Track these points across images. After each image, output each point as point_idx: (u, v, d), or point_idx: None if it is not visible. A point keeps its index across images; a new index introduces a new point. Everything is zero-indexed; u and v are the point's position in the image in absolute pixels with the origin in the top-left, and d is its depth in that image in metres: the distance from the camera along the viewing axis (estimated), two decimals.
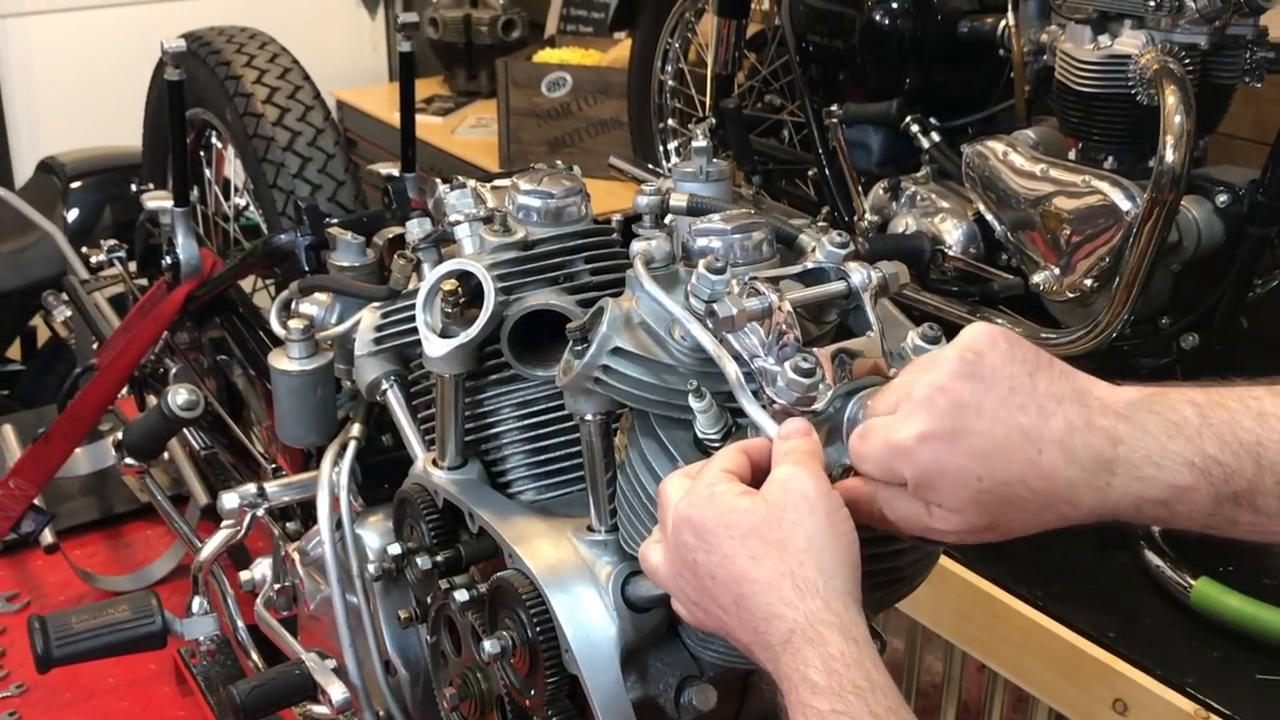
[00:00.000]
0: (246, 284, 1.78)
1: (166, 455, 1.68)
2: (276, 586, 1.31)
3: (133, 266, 1.96)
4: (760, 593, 0.72)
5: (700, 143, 1.06)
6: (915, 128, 1.92)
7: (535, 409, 1.03)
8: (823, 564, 0.71)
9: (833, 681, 0.68)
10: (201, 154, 1.98)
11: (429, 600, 1.07)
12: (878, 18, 1.92)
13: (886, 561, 0.82)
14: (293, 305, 1.31)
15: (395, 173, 1.54)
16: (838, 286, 0.85)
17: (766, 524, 0.72)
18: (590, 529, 0.95)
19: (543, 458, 1.04)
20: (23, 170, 3.35)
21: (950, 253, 1.82)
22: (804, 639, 0.70)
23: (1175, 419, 0.71)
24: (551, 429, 1.03)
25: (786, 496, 0.72)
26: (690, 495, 0.76)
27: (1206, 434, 0.71)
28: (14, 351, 2.71)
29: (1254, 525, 0.72)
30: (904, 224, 1.90)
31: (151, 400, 1.81)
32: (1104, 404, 0.72)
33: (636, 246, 0.88)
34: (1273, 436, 0.70)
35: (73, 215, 2.50)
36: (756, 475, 0.77)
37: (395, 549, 1.08)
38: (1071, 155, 1.71)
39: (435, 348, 0.99)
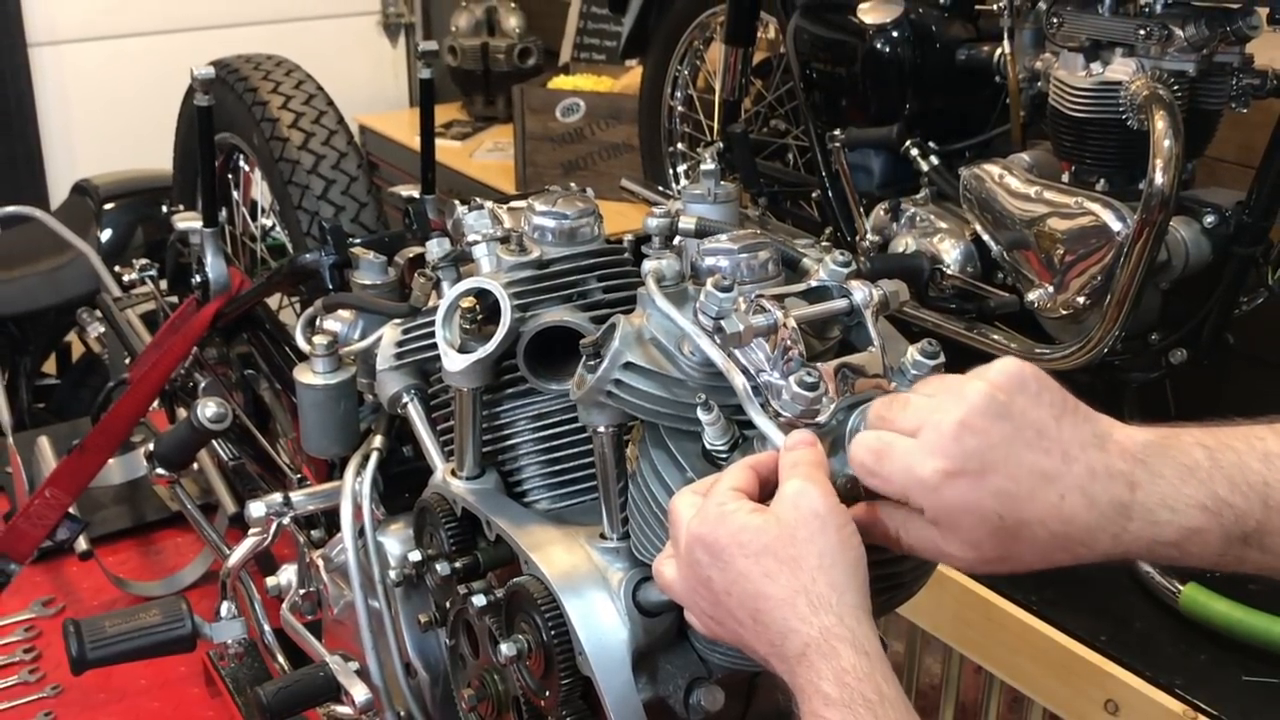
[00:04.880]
0: (273, 301, 1.79)
1: (196, 466, 1.69)
2: (301, 592, 1.32)
3: (163, 284, 1.97)
4: (775, 609, 0.72)
5: (708, 166, 1.07)
6: (915, 151, 1.93)
7: (550, 421, 1.05)
8: (835, 580, 0.72)
9: (844, 694, 0.69)
10: (229, 176, 1.99)
11: (448, 605, 1.09)
12: (879, 46, 1.93)
13: (887, 568, 0.83)
14: (317, 322, 1.32)
15: (416, 195, 1.54)
16: (840, 304, 0.86)
17: (779, 542, 0.72)
18: (603, 536, 0.96)
19: (557, 468, 1.05)
20: (58, 192, 3.36)
21: (949, 271, 1.83)
22: (818, 653, 0.70)
23: (1188, 463, 0.72)
24: (565, 440, 1.04)
25: (798, 513, 0.73)
26: (702, 514, 0.75)
27: (1217, 477, 0.71)
28: (49, 366, 2.74)
29: (1261, 563, 0.73)
30: (904, 244, 1.91)
31: (181, 413, 1.82)
32: (1122, 448, 0.72)
33: (648, 265, 0.89)
34: (1279, 478, 0.71)
35: (106, 235, 2.54)
36: (765, 489, 0.77)
37: (415, 556, 1.08)
38: (1065, 178, 1.71)
39: (454, 362, 1.00)
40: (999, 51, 1.84)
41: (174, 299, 1.94)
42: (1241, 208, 1.61)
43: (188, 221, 1.76)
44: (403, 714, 1.21)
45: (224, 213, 1.91)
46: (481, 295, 1.01)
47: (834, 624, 0.71)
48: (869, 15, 1.96)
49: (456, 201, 1.15)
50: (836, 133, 2.05)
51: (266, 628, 1.43)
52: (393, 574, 1.14)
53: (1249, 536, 0.71)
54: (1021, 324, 1.80)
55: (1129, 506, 0.71)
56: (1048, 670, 1.47)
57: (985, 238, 1.81)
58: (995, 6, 1.85)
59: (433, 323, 1.05)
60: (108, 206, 2.58)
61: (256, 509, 1.25)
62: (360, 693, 1.17)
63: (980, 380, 0.73)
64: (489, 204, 1.12)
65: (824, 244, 2.01)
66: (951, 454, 0.71)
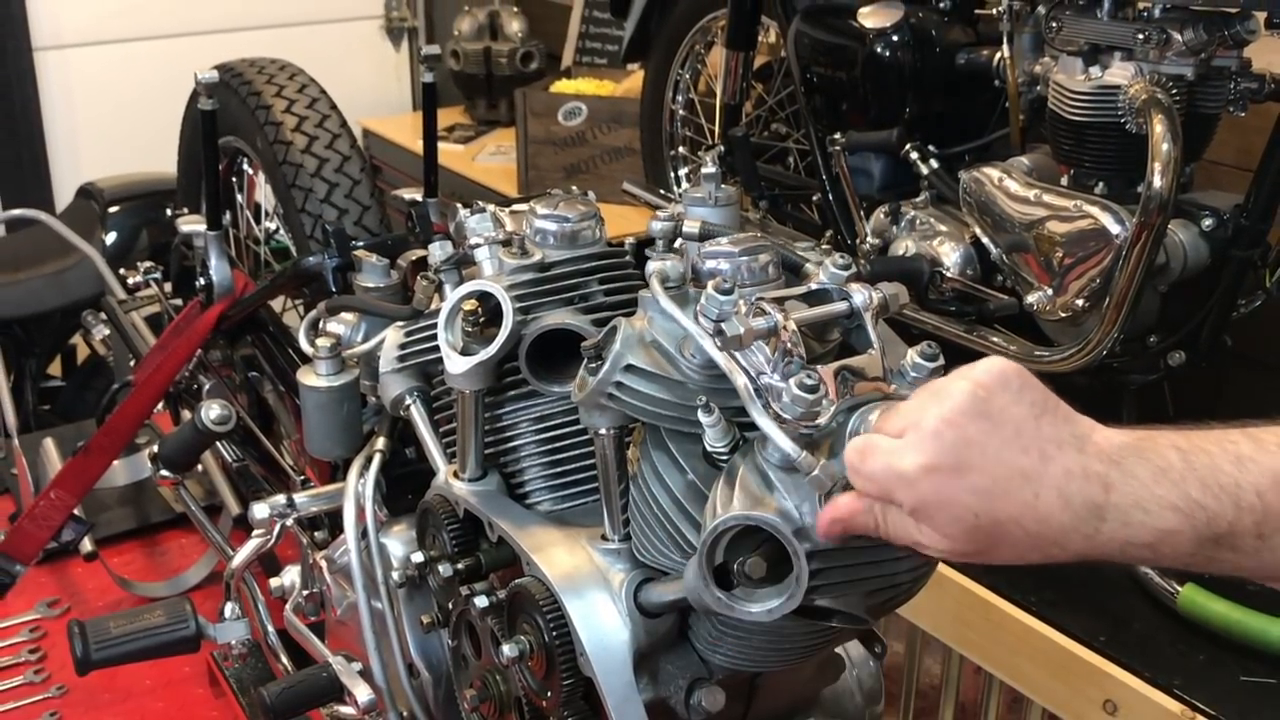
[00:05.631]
0: (276, 304, 1.80)
1: (200, 467, 1.71)
2: (305, 593, 1.33)
3: (168, 287, 1.99)
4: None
5: (709, 169, 1.08)
6: (915, 155, 1.93)
7: (552, 423, 1.06)
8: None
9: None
10: (233, 180, 2.00)
11: (450, 606, 1.09)
12: (879, 50, 1.93)
13: (886, 568, 0.84)
14: (320, 324, 1.33)
15: (418, 198, 1.56)
16: (840, 306, 0.87)
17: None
18: (604, 538, 0.97)
19: (559, 470, 1.06)
20: (63, 195, 3.37)
21: (948, 274, 1.83)
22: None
23: (1161, 464, 0.72)
24: (567, 442, 1.05)
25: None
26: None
27: (1190, 479, 0.72)
28: (55, 368, 2.75)
29: (1232, 564, 0.73)
30: (904, 247, 1.91)
31: (186, 415, 1.84)
32: (1099, 449, 0.73)
33: (652, 266, 0.89)
34: (1249, 480, 0.71)
35: (111, 238, 2.55)
36: None
37: (418, 557, 1.09)
38: (1064, 181, 1.71)
39: (456, 365, 1.01)
40: (998, 55, 1.85)
41: (178, 302, 1.95)
42: (1239, 211, 1.62)
43: (192, 225, 1.77)
44: (405, 714, 1.22)
45: (228, 216, 1.92)
46: (483, 298, 1.02)
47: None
48: (869, 19, 1.97)
49: (459, 205, 1.16)
50: (837, 136, 2.05)
51: (270, 628, 1.44)
52: (395, 575, 1.16)
53: (1221, 538, 0.72)
54: (1021, 326, 1.81)
55: (1103, 508, 0.72)
56: (1047, 670, 1.47)
57: (985, 241, 1.81)
58: (995, 11, 1.86)
59: (435, 325, 1.06)
60: (112, 209, 2.59)
61: (260, 510, 1.26)
62: (363, 693, 1.19)
63: (963, 379, 0.74)
64: (491, 207, 1.13)
65: (824, 247, 2.02)
66: (929, 449, 0.72)
